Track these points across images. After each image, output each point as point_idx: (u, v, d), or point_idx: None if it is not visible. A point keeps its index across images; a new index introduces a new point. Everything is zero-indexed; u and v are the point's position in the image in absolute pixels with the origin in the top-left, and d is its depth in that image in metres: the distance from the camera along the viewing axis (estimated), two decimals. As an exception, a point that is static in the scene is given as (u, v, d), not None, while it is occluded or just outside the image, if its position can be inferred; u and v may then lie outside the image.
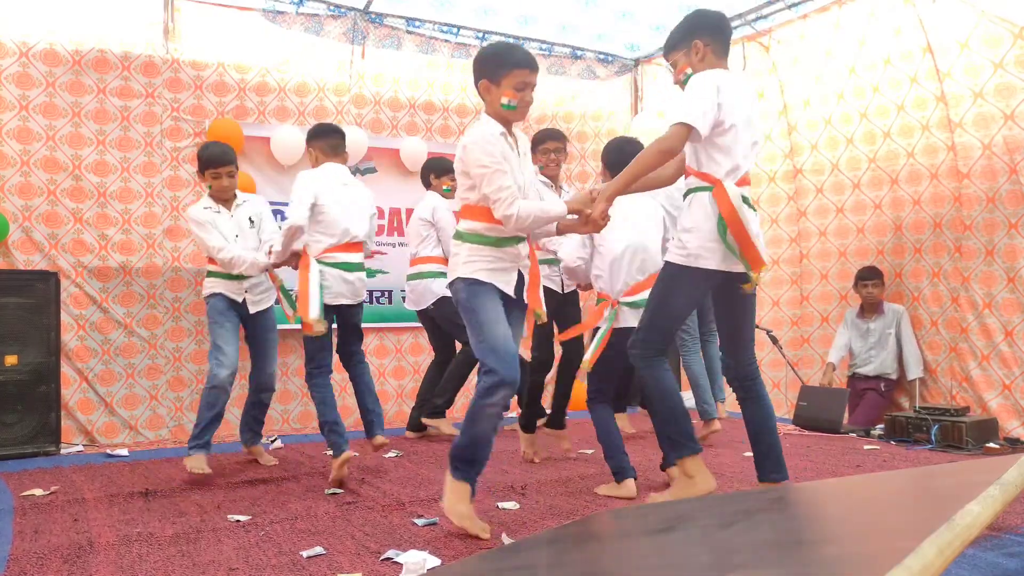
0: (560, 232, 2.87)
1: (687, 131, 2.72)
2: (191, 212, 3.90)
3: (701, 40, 2.92)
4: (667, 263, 2.92)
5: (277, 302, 4.04)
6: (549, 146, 4.26)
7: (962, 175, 4.76)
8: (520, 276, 2.78)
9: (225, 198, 3.89)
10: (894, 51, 5.09)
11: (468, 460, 2.68)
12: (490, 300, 2.68)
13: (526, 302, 2.82)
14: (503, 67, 2.75)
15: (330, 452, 3.64)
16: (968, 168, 4.74)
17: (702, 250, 2.79)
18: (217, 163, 3.78)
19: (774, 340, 5.36)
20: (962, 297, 4.79)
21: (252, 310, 3.94)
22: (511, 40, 6.29)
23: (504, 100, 2.74)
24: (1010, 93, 4.52)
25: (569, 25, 6.13)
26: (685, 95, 2.82)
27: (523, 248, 2.79)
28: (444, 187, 4.93)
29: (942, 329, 4.94)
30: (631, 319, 3.35)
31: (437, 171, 5.00)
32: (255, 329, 4.03)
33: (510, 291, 2.74)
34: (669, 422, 3.00)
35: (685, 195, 2.94)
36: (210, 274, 3.94)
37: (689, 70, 2.94)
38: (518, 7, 5.80)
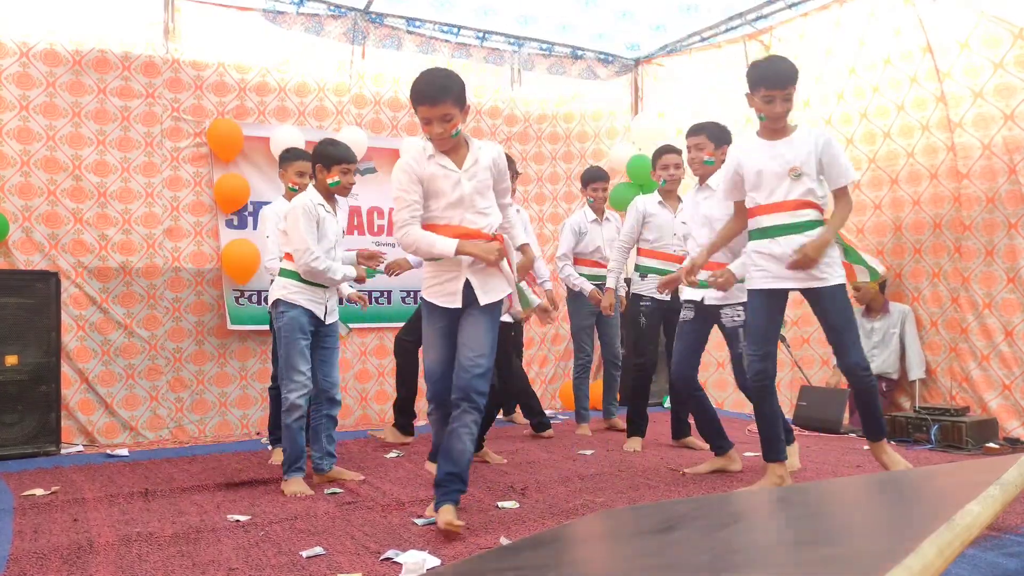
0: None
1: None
2: (302, 202, 3.45)
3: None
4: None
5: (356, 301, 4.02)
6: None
7: (962, 175, 4.76)
8: (468, 282, 2.84)
9: (343, 196, 3.67)
10: (894, 51, 5.09)
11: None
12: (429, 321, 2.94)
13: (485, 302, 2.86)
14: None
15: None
16: (968, 168, 4.74)
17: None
18: (350, 159, 3.54)
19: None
20: (962, 297, 4.79)
21: (328, 320, 3.65)
22: (512, 40, 6.30)
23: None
24: (1010, 93, 4.52)
25: (569, 25, 6.14)
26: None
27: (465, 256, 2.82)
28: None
29: (942, 329, 4.94)
30: None
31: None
32: (324, 339, 3.68)
33: (450, 304, 2.87)
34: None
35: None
36: (287, 273, 3.53)
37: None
38: (518, 7, 5.80)
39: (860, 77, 5.32)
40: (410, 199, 2.78)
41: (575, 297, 5.10)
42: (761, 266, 3.14)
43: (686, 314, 3.83)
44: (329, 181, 3.48)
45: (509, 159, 5.25)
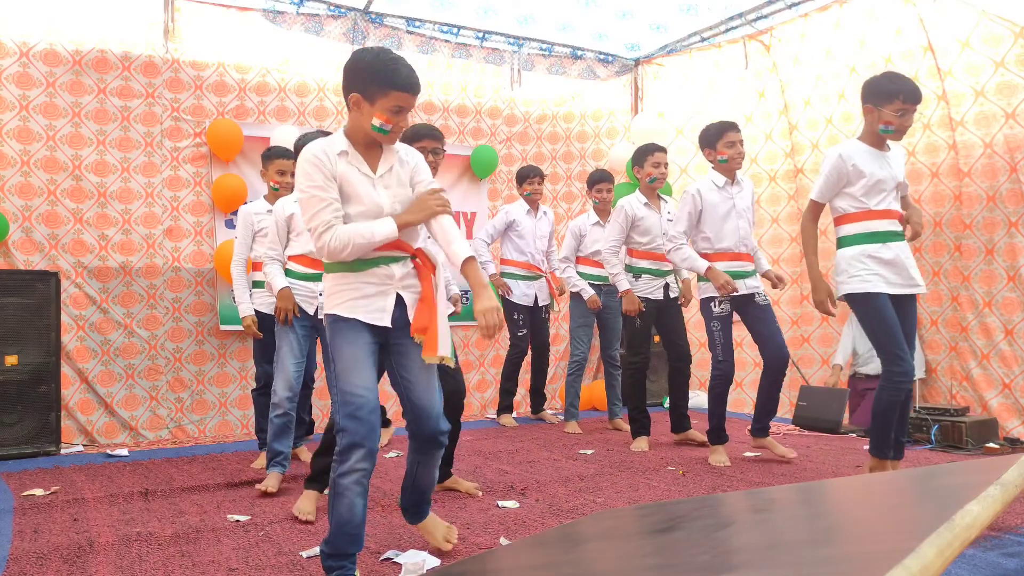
0: None
1: None
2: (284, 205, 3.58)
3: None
4: None
5: None
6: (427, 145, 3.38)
7: (963, 174, 4.76)
8: (400, 299, 2.32)
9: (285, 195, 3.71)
10: (895, 50, 5.09)
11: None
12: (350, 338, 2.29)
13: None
14: None
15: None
16: (969, 167, 4.74)
17: None
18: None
19: None
20: (962, 296, 4.79)
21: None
22: (512, 40, 6.29)
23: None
24: (1011, 92, 4.52)
25: (569, 25, 6.14)
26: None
27: (397, 268, 2.32)
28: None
29: (942, 328, 4.94)
30: None
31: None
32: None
33: (378, 321, 2.30)
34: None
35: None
36: (288, 274, 3.61)
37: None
38: (518, 7, 5.80)
39: (861, 76, 5.31)
40: (329, 197, 2.23)
41: (576, 295, 5.13)
42: (875, 270, 3.30)
43: (726, 308, 3.99)
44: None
45: (533, 167, 5.43)
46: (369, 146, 2.33)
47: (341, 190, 2.26)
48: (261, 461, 4.04)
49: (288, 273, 3.59)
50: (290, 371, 3.51)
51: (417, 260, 2.34)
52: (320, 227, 2.22)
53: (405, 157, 2.39)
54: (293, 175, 3.80)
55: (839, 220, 3.40)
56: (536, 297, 5.39)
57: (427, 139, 3.27)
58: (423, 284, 2.33)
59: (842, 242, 3.39)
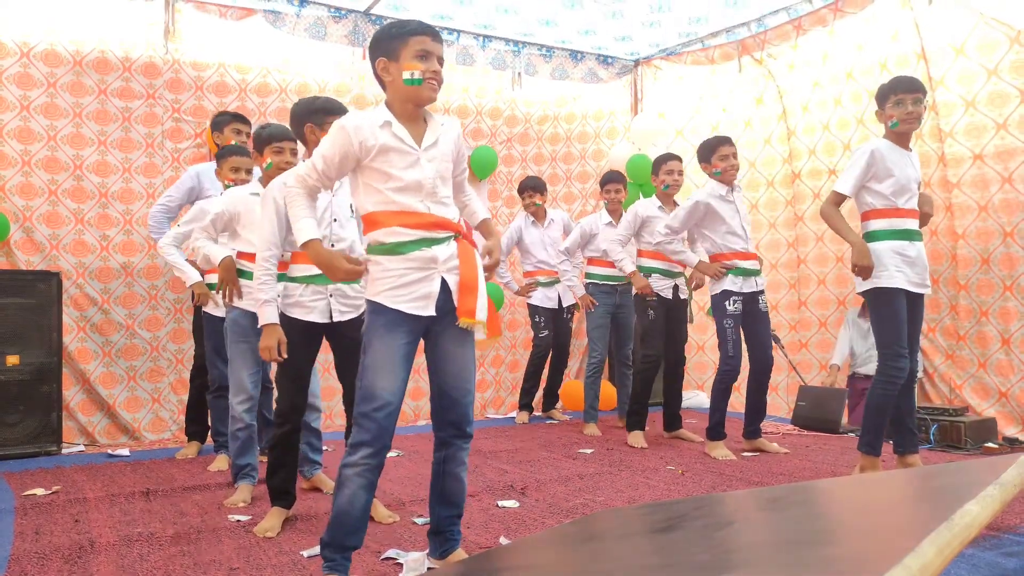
0: None
1: None
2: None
3: None
4: None
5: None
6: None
7: (952, 185, 4.76)
8: (444, 283, 2.24)
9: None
10: (891, 56, 5.08)
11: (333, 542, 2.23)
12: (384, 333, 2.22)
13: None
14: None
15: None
16: (958, 178, 4.74)
17: None
18: (278, 137, 3.21)
19: (776, 340, 5.37)
20: (960, 304, 4.79)
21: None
22: (513, 43, 6.30)
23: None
24: (1003, 102, 4.51)
25: (567, 38, 6.23)
26: None
27: (441, 250, 2.24)
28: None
29: (939, 336, 4.93)
30: None
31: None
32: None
33: (422, 311, 2.21)
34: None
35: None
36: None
37: None
38: (515, 26, 5.88)
39: (857, 82, 5.32)
40: (321, 167, 2.21)
41: (592, 295, 5.15)
42: (901, 268, 3.39)
43: (739, 307, 4.18)
44: (263, 164, 3.26)
45: (529, 179, 5.59)
46: (412, 118, 2.25)
47: (375, 164, 2.19)
48: (218, 464, 4.00)
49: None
50: (246, 383, 3.33)
51: (460, 239, 2.28)
52: (295, 175, 2.26)
53: (451, 129, 2.32)
54: (248, 171, 3.74)
55: (867, 215, 3.48)
56: (560, 298, 5.54)
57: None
58: (463, 266, 2.24)
59: (871, 237, 3.45)
